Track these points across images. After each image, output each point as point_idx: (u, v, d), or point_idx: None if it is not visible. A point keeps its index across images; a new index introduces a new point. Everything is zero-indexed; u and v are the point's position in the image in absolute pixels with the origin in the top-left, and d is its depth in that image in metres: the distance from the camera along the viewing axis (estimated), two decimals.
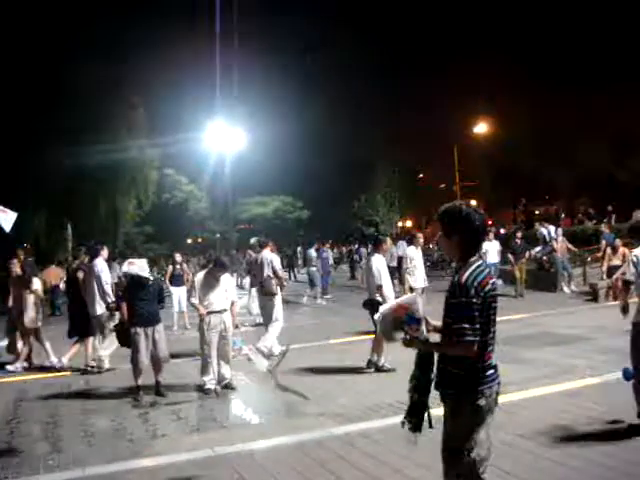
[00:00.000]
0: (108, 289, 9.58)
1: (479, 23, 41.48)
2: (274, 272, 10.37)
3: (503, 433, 4.97)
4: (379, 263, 8.66)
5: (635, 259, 5.50)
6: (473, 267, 3.07)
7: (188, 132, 33.24)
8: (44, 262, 25.11)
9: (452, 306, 3.01)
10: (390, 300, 8.36)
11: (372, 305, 8.55)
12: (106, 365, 9.67)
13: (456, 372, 3.03)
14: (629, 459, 4.63)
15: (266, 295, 10.31)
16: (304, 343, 10.54)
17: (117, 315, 8.95)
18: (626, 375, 5.50)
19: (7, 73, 26.05)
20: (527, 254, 17.22)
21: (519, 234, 17.74)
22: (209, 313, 7.87)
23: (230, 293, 8.21)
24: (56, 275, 21.13)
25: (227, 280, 8.22)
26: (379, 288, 8.51)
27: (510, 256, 16.61)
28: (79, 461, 5.47)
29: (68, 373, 9.63)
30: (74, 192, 30.38)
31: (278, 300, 10.34)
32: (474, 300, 2.97)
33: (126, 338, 8.03)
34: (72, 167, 27.55)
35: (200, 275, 8.29)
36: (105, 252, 10.17)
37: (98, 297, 9.57)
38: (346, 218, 52.13)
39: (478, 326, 2.96)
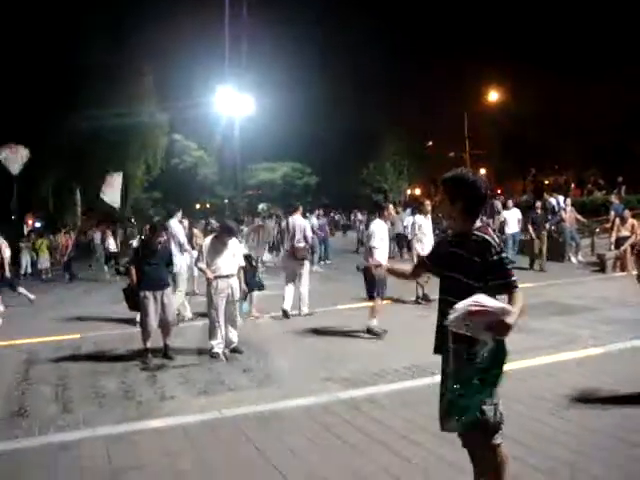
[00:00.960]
0: (187, 246, 10.94)
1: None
2: (304, 237, 10.82)
3: (508, 401, 4.98)
4: (379, 228, 8.79)
5: None
6: (490, 230, 3.19)
7: (198, 97, 33.21)
8: (52, 227, 25.27)
9: (499, 262, 3.07)
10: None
11: (364, 270, 8.59)
12: (189, 314, 10.65)
13: None
14: (637, 429, 4.58)
15: (298, 260, 10.73)
16: (311, 309, 10.63)
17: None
18: None
19: (23, 46, 26.32)
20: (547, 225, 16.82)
21: (538, 204, 17.25)
22: (216, 277, 7.91)
23: (238, 258, 8.24)
24: (66, 241, 21.23)
25: (235, 245, 8.24)
26: (371, 249, 8.64)
27: (530, 227, 16.23)
28: (89, 421, 5.55)
29: (78, 335, 9.73)
30: (85, 155, 30.54)
31: (307, 264, 11.07)
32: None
33: (135, 302, 8.12)
34: (84, 130, 27.72)
35: (208, 240, 8.31)
36: (179, 214, 11.45)
37: (176, 254, 10.06)
38: (355, 185, 51.84)
39: None
